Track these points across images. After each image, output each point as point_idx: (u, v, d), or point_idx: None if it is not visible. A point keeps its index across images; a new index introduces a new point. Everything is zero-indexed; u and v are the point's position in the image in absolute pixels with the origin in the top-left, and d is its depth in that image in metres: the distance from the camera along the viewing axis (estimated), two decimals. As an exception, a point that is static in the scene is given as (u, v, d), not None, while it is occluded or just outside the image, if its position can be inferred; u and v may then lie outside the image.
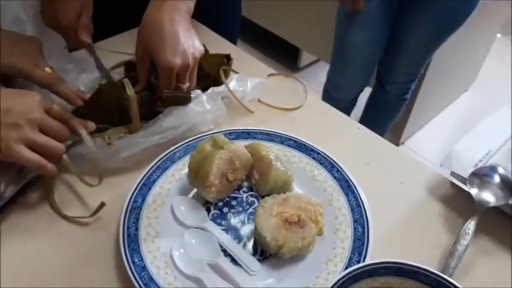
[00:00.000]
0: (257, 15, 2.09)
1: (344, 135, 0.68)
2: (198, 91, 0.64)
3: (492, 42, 1.94)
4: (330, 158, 0.59)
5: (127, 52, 0.71)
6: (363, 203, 0.54)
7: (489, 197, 0.53)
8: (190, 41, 0.60)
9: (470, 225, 0.51)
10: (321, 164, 0.59)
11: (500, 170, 0.54)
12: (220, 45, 0.85)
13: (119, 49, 0.73)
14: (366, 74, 1.37)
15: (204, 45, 0.70)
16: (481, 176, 0.55)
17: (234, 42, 1.09)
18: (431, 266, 0.51)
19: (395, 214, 0.57)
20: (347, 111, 1.54)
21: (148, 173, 0.56)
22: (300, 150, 0.61)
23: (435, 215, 0.57)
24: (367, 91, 1.51)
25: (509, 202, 0.52)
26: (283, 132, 0.63)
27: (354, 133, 0.68)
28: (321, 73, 1.72)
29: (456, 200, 0.58)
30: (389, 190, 0.60)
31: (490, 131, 0.61)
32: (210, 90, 0.65)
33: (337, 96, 1.46)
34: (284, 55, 2.12)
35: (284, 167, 0.56)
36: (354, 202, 0.54)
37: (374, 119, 1.55)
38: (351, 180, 0.56)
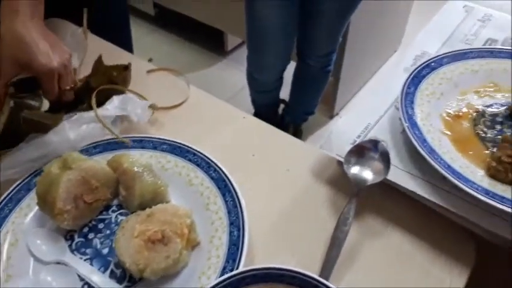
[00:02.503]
0: (175, 2, 2.00)
1: (229, 128, 0.63)
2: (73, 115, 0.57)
3: (413, -3, 1.94)
4: (207, 158, 0.54)
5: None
6: (239, 203, 0.49)
7: (368, 174, 0.50)
8: (54, 41, 0.58)
9: (349, 209, 0.48)
10: (197, 165, 0.54)
11: (378, 144, 0.51)
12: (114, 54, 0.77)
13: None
14: (284, 51, 1.33)
15: (100, 56, 0.63)
16: (358, 153, 0.51)
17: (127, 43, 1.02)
18: (317, 257, 0.48)
19: (280, 205, 0.53)
20: (275, 91, 1.50)
21: (-3, 209, 0.49)
22: (175, 154, 0.56)
23: (322, 200, 0.53)
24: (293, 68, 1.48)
25: (387, 177, 0.49)
26: (157, 136, 0.57)
27: (240, 123, 0.64)
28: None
29: (342, 181, 0.55)
30: (274, 180, 0.56)
31: (371, 102, 0.58)
32: (76, 116, 0.58)
33: (262, 78, 1.42)
34: (210, 40, 2.05)
35: (153, 177, 0.51)
36: (231, 203, 0.50)
37: (302, 94, 1.52)
38: (228, 179, 0.52)
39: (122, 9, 1.01)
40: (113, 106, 0.59)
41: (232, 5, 1.77)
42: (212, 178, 0.53)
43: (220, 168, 0.53)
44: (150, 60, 2.06)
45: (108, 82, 0.62)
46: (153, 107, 0.62)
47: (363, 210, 0.51)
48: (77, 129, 0.56)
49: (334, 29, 1.29)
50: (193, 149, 0.55)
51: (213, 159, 0.54)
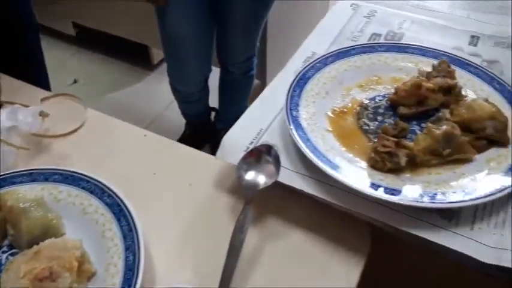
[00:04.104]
0: (95, 21, 1.95)
1: (129, 148, 0.62)
2: None
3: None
4: (101, 183, 0.53)
5: None
6: (134, 226, 0.49)
7: (261, 179, 0.51)
8: None
9: (244, 216, 0.48)
10: (91, 192, 0.53)
11: (270, 148, 0.52)
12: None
13: None
14: (202, 61, 1.32)
15: None
16: (255, 158, 0.52)
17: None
18: (220, 268, 0.48)
19: (183, 221, 0.53)
20: (201, 100, 1.50)
21: None
22: (67, 183, 0.54)
23: (224, 210, 0.54)
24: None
25: (278, 179, 0.50)
26: (47, 167, 0.55)
27: (141, 142, 0.63)
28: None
29: (242, 189, 0.55)
30: (176, 196, 0.56)
31: (263, 107, 0.59)
32: None
33: (185, 90, 1.41)
34: (135, 55, 2.01)
35: (43, 211, 0.49)
36: (126, 227, 0.49)
37: (229, 101, 1.53)
38: (122, 203, 0.51)
39: (31, 36, 0.97)
40: (1, 119, 0.58)
41: (153, 18, 1.74)
42: (107, 204, 0.51)
43: (115, 193, 0.52)
44: (75, 81, 1.99)
45: None
46: (43, 114, 0.61)
47: (264, 214, 0.52)
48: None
49: (249, 33, 1.31)
50: (86, 176, 0.54)
51: (107, 184, 0.53)
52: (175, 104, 1.64)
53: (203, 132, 1.59)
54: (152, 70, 2.02)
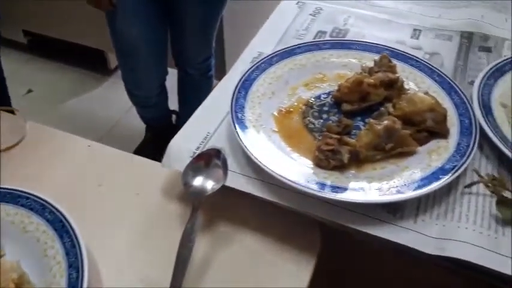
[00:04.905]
0: (45, 27, 1.88)
1: (73, 160, 0.60)
2: None
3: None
4: (41, 199, 0.51)
5: None
6: (78, 242, 0.47)
7: (209, 184, 0.50)
8: None
9: (192, 224, 0.47)
10: (31, 209, 0.50)
11: (219, 152, 0.51)
12: None
13: None
14: (157, 65, 1.30)
15: None
16: (199, 164, 0.51)
17: None
18: (169, 277, 0.47)
19: (130, 232, 0.52)
20: (160, 104, 1.48)
21: None
22: (5, 202, 0.51)
23: (173, 218, 0.53)
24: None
25: (225, 184, 0.49)
26: (-17, 186, 0.52)
27: (85, 153, 0.61)
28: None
29: (192, 195, 0.54)
30: (123, 207, 0.54)
31: (210, 111, 0.58)
32: None
33: (141, 94, 1.38)
34: (91, 60, 1.96)
35: (-23, 233, 0.46)
36: (69, 243, 0.47)
37: (189, 103, 1.51)
38: (64, 219, 0.49)
39: None
40: None
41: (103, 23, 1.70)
42: (48, 220, 0.49)
43: (56, 209, 0.50)
44: (29, 91, 1.92)
45: None
46: None
47: (213, 219, 0.51)
48: None
49: (205, 32, 1.30)
50: (25, 192, 0.51)
51: (48, 200, 0.50)
52: (134, 109, 1.61)
53: (164, 135, 1.56)
54: (110, 75, 1.97)
